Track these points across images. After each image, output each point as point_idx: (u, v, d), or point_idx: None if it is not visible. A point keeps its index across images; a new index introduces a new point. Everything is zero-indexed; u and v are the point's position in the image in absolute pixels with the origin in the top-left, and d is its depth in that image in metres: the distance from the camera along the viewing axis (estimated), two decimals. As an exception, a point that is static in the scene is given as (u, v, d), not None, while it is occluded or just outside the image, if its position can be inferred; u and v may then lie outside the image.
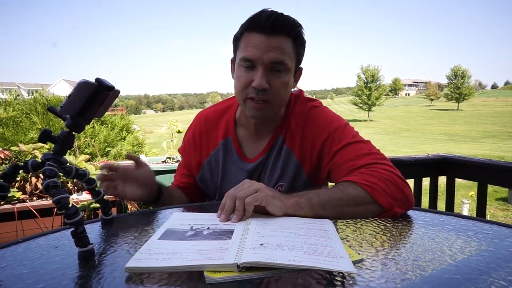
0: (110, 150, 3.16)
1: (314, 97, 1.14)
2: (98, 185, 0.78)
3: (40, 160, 0.61)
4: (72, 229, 0.58)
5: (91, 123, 2.63)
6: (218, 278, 0.50)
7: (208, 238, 0.64)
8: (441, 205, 2.25)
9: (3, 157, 1.85)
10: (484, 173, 2.00)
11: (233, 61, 0.99)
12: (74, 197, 1.72)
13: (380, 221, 0.78)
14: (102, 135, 3.18)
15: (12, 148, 2.02)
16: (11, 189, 1.62)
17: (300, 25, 0.94)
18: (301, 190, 0.83)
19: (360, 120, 40.45)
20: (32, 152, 1.87)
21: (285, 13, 0.93)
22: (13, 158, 1.94)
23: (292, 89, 1.03)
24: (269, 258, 0.53)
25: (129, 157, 0.98)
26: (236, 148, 1.04)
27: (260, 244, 0.59)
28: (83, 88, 0.58)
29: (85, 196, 1.74)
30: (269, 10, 0.92)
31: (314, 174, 1.02)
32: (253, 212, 0.75)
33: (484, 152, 14.52)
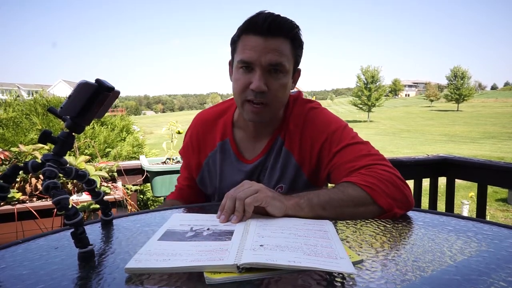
0: (110, 151, 3.16)
1: (314, 98, 1.14)
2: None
3: (40, 161, 0.61)
4: (72, 230, 0.58)
5: (91, 124, 2.63)
6: (218, 279, 0.50)
7: (208, 239, 0.64)
8: (441, 206, 2.25)
9: (3, 158, 1.85)
10: (484, 174, 2.01)
11: (231, 63, 0.99)
12: (74, 198, 1.72)
13: (380, 222, 0.78)
14: (102, 136, 3.18)
15: (12, 149, 2.01)
16: (11, 190, 1.62)
17: (297, 27, 0.94)
18: (301, 191, 0.83)
19: (360, 121, 40.47)
20: (32, 153, 1.87)
21: (282, 15, 0.93)
22: (13, 159, 1.94)
23: (291, 91, 1.03)
24: (269, 259, 0.53)
25: None
26: (233, 149, 1.04)
27: (260, 245, 0.59)
28: (83, 89, 0.58)
29: (85, 197, 1.74)
30: (266, 12, 0.92)
31: (313, 176, 1.02)
32: (253, 213, 0.75)
33: (484, 153, 14.52)
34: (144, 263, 0.54)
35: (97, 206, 1.67)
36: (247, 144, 1.05)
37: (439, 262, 0.58)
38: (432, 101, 73.07)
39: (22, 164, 0.61)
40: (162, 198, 2.48)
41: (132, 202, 2.08)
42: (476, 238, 0.69)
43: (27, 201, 1.67)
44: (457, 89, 55.87)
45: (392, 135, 25.78)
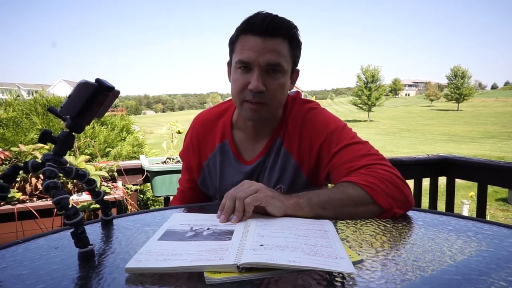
0: (110, 151, 3.16)
1: (314, 97, 1.14)
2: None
3: (40, 161, 0.61)
4: (72, 229, 0.58)
5: (91, 123, 2.63)
6: (218, 278, 0.50)
7: (208, 239, 0.64)
8: (441, 205, 2.25)
9: (3, 157, 1.85)
10: (484, 173, 2.01)
11: (229, 64, 0.99)
12: (74, 198, 1.72)
13: (380, 222, 0.78)
14: (102, 136, 3.18)
15: (12, 148, 2.01)
16: (11, 190, 1.62)
17: (295, 27, 0.94)
18: (300, 191, 0.83)
19: (360, 121, 40.45)
20: (32, 152, 1.86)
21: (282, 15, 0.93)
22: (13, 159, 1.94)
23: (289, 91, 1.03)
24: (269, 259, 0.53)
25: None
26: (233, 150, 1.04)
27: (260, 245, 0.59)
28: (83, 88, 0.58)
29: (85, 197, 1.74)
30: (264, 12, 0.91)
31: (313, 176, 1.02)
32: (253, 212, 0.75)
33: (484, 153, 14.52)
34: (144, 263, 0.54)
35: (97, 206, 1.67)
36: (246, 145, 1.05)
37: (439, 261, 0.58)
38: (432, 100, 73.05)
39: (22, 164, 0.62)
40: (162, 197, 2.49)
41: (132, 202, 2.08)
42: (476, 238, 0.69)
43: (27, 201, 1.67)
44: (457, 88, 55.85)
45: (392, 134, 25.78)
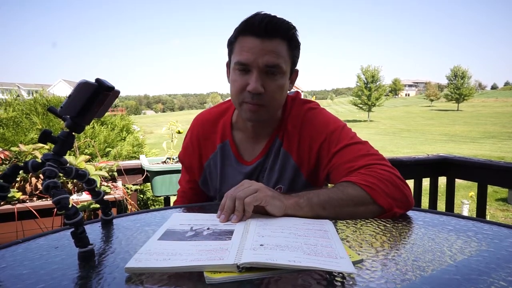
0: (110, 151, 3.16)
1: (314, 97, 1.14)
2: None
3: (40, 161, 0.61)
4: (72, 229, 0.58)
5: (91, 123, 2.63)
6: (218, 278, 0.50)
7: (208, 239, 0.64)
8: (441, 205, 2.25)
9: (3, 157, 1.85)
10: (484, 173, 2.01)
11: (228, 64, 0.99)
12: (74, 198, 1.72)
13: (380, 222, 0.78)
14: (102, 136, 3.18)
15: (12, 148, 2.01)
16: (11, 190, 1.62)
17: (294, 28, 0.94)
18: (300, 191, 0.83)
19: (360, 121, 40.45)
20: (32, 152, 1.86)
21: (282, 15, 0.93)
22: (13, 159, 1.94)
23: (289, 91, 1.03)
24: (269, 259, 0.53)
25: None
26: (233, 151, 1.04)
27: (260, 245, 0.59)
28: (83, 88, 0.58)
29: (85, 197, 1.73)
30: (262, 13, 0.91)
31: (312, 176, 1.02)
32: (253, 212, 0.75)
33: (484, 153, 14.52)
34: (144, 263, 0.54)
35: (97, 205, 1.67)
36: (246, 145, 1.05)
37: (439, 261, 0.58)
38: (432, 100, 73.05)
39: (22, 164, 0.62)
40: (162, 197, 2.49)
41: (132, 202, 2.08)
42: (476, 238, 0.69)
43: (27, 201, 1.67)
44: (457, 88, 55.84)
45: (392, 134, 25.78)
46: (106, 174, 1.94)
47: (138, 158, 2.72)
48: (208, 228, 0.69)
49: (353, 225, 0.76)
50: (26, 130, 2.98)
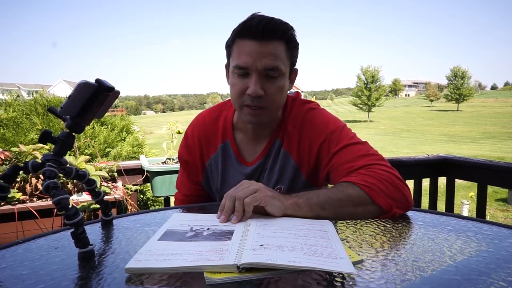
0: (110, 151, 3.16)
1: (314, 98, 1.14)
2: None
3: (40, 161, 0.61)
4: (72, 230, 0.58)
5: (91, 123, 2.63)
6: (218, 279, 0.51)
7: (208, 239, 0.64)
8: (441, 205, 2.25)
9: (3, 158, 1.85)
10: (484, 174, 2.01)
11: (227, 66, 0.99)
12: (74, 198, 1.72)
13: (380, 222, 0.78)
14: (102, 136, 3.17)
15: (12, 149, 2.01)
16: (11, 190, 1.62)
17: (291, 28, 0.93)
18: (300, 191, 0.83)
19: (360, 121, 40.46)
20: (32, 153, 1.86)
21: (282, 15, 0.92)
22: (13, 159, 1.94)
23: (289, 91, 1.03)
24: (269, 259, 0.53)
25: None
26: (234, 151, 1.04)
27: (260, 245, 0.59)
28: (83, 89, 0.58)
29: (85, 197, 1.73)
30: (259, 14, 0.91)
31: (312, 176, 1.02)
32: (252, 212, 0.75)
33: (484, 153, 14.52)
34: (144, 263, 0.54)
35: (97, 206, 1.67)
36: (247, 146, 1.05)
37: (439, 262, 0.58)
38: (432, 101, 73.05)
39: (22, 164, 0.62)
40: (162, 198, 2.48)
41: (132, 202, 2.08)
42: (476, 238, 0.69)
43: (27, 201, 1.67)
44: (457, 89, 55.84)
45: (392, 135, 25.79)
46: (106, 175, 1.94)
47: (138, 159, 2.72)
48: (208, 229, 0.69)
49: (353, 226, 0.76)
50: (26, 130, 2.98)
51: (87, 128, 3.01)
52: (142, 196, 2.95)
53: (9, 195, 1.17)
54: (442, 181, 2.20)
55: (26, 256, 0.62)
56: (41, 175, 0.98)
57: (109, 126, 3.43)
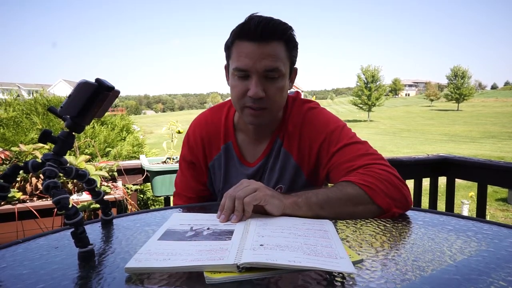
0: (110, 151, 3.16)
1: (314, 97, 1.14)
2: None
3: (40, 161, 0.61)
4: (72, 229, 0.58)
5: (91, 123, 2.63)
6: (218, 278, 0.51)
7: (208, 239, 0.64)
8: (441, 205, 2.25)
9: (3, 157, 1.85)
10: (484, 173, 2.01)
11: (226, 67, 0.98)
12: (74, 198, 1.72)
13: (379, 222, 0.78)
14: (102, 136, 3.17)
15: (12, 148, 2.01)
16: (11, 190, 1.62)
17: (290, 28, 0.93)
18: (300, 190, 0.83)
19: (360, 121, 40.44)
20: (33, 152, 1.86)
21: (281, 15, 0.92)
22: (14, 159, 1.94)
23: (289, 91, 1.03)
24: (269, 259, 0.53)
25: None
26: (236, 152, 1.04)
27: (260, 245, 0.59)
28: (83, 88, 0.58)
29: (85, 197, 1.74)
30: (257, 15, 0.90)
31: (313, 176, 1.02)
32: (252, 211, 0.75)
33: (484, 153, 14.52)
34: (144, 263, 0.54)
35: (97, 205, 1.67)
36: (248, 147, 1.05)
37: (439, 261, 0.58)
38: (432, 100, 73.04)
39: (22, 164, 0.62)
40: (162, 197, 2.49)
41: (132, 202, 2.08)
42: (476, 238, 0.69)
43: (28, 201, 1.67)
44: (457, 88, 55.82)
45: (392, 134, 25.79)
46: (106, 174, 1.94)
47: (138, 158, 2.72)
48: (208, 228, 0.69)
49: (353, 225, 0.76)
50: (26, 130, 2.98)
51: (87, 127, 3.00)
52: (142, 195, 2.95)
53: (9, 195, 1.17)
54: (442, 180, 2.20)
55: (26, 255, 0.62)
56: (41, 175, 0.98)
57: (109, 125, 3.43)
